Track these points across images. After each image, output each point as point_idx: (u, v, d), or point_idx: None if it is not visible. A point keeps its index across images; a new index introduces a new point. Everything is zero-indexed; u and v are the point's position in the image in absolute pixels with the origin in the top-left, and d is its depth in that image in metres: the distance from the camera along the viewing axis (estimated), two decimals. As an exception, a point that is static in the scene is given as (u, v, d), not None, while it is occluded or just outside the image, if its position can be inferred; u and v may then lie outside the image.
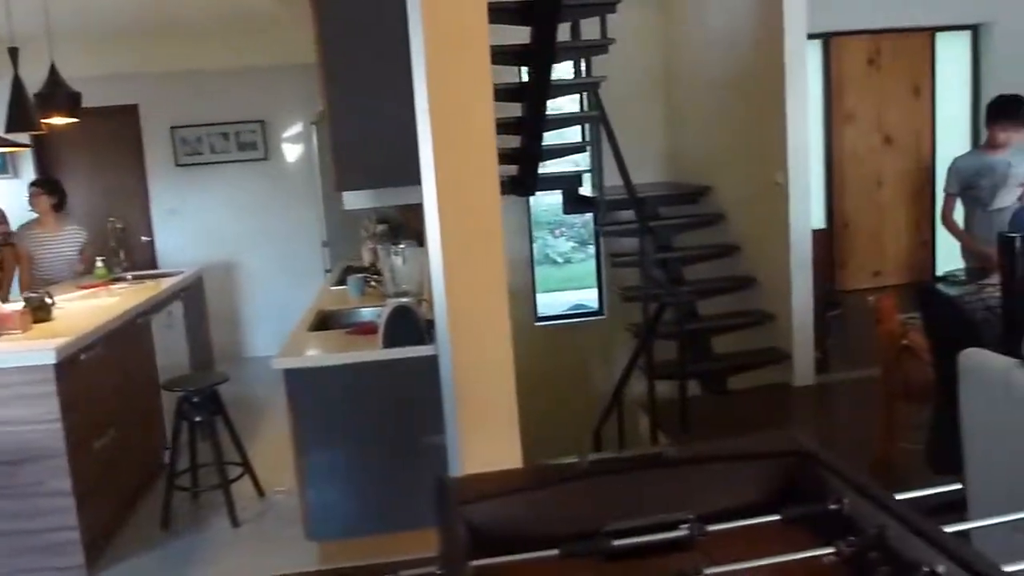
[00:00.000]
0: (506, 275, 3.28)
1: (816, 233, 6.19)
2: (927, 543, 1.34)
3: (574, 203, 6.85)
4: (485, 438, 3.29)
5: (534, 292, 7.79)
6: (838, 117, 7.56)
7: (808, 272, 5.72)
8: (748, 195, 6.25)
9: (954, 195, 4.84)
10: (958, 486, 1.65)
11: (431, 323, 3.29)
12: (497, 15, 5.15)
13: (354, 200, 3.54)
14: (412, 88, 3.01)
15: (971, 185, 4.71)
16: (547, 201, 8.59)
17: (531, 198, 7.39)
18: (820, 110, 7.51)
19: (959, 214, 4.97)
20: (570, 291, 9.58)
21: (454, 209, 3.12)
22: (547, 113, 5.59)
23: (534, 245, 8.06)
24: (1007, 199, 4.53)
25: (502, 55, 5.32)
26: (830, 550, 1.39)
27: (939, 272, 7.40)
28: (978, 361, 2.65)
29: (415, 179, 3.09)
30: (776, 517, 1.55)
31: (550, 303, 8.66)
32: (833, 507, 1.55)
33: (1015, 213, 4.12)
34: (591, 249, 8.56)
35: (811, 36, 6.84)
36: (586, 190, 7.06)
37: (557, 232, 11.27)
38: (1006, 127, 4.57)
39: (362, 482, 3.45)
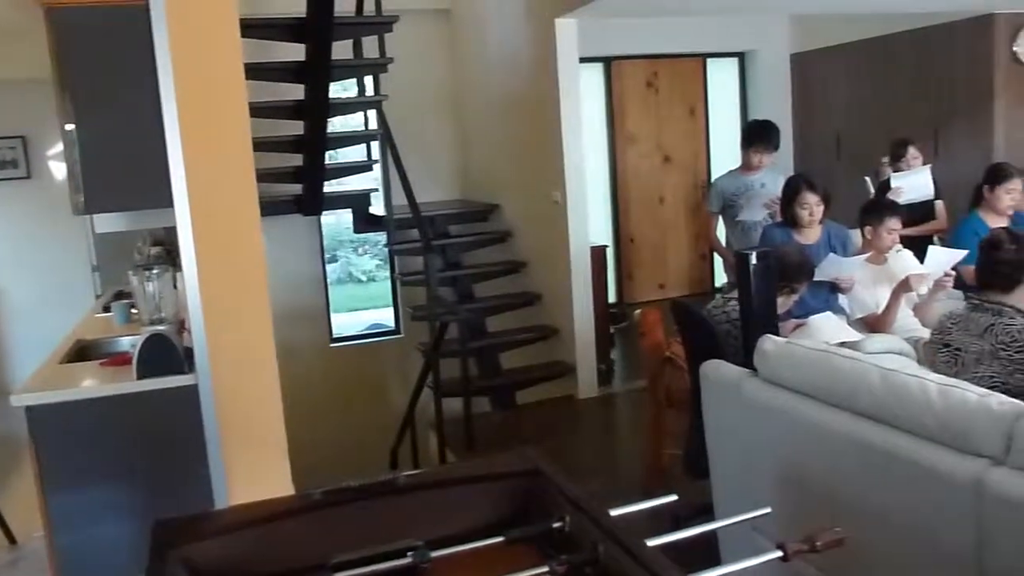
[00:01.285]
0: (269, 298, 3.18)
1: (602, 248, 6.41)
2: (631, 559, 1.38)
3: (365, 222, 6.78)
4: (253, 468, 3.16)
5: (328, 312, 7.63)
6: (620, 137, 7.88)
7: (589, 287, 5.89)
8: (531, 213, 6.37)
9: (715, 214, 5.13)
10: (674, 497, 1.71)
11: (191, 351, 3.14)
12: (270, 31, 5.05)
13: (108, 223, 3.35)
14: (160, 106, 2.86)
15: (730, 204, 5.01)
16: (349, 219, 8.45)
17: (331, 216, 7.25)
18: (604, 130, 7.81)
19: (721, 232, 5.29)
20: (372, 310, 9.46)
21: (210, 231, 2.98)
22: (329, 131, 5.51)
23: (336, 264, 7.91)
24: (753, 215, 4.86)
25: (277, 72, 5.21)
26: (545, 568, 1.41)
27: (718, 284, 7.86)
28: (716, 371, 2.81)
29: (168, 201, 2.94)
30: (500, 539, 1.56)
31: (352, 323, 8.49)
32: (556, 525, 1.57)
33: (764, 229, 4.41)
34: (392, 267, 8.49)
35: (592, 59, 7.11)
36: (378, 208, 7.00)
37: (360, 250, 11.13)
38: (759, 150, 4.91)
39: (117, 522, 3.22)
